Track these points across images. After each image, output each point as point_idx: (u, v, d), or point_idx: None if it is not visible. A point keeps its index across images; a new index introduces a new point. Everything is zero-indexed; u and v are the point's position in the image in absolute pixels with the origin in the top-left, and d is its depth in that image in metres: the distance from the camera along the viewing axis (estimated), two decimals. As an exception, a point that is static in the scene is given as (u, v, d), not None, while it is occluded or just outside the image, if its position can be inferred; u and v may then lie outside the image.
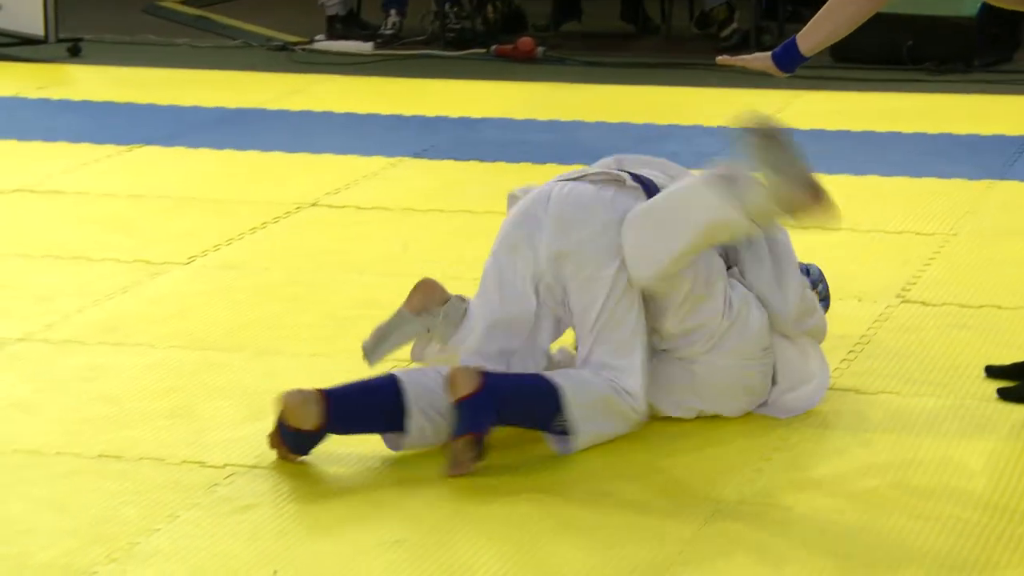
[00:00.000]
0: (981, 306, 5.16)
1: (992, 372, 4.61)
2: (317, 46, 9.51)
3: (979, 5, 8.57)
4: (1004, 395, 4.50)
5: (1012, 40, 8.87)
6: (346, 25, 9.73)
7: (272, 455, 4.18)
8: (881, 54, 8.58)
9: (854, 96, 8.16)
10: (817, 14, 4.47)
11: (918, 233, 5.92)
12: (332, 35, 9.66)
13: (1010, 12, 9.12)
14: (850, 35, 9.73)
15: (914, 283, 5.32)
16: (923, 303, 5.13)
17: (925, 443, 4.24)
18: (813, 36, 4.45)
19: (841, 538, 3.75)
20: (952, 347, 4.81)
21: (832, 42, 4.48)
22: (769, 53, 4.49)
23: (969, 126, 7.48)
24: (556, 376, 4.19)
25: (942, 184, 6.49)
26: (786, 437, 4.25)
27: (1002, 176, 6.65)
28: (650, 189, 4.30)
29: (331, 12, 9.78)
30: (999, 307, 5.16)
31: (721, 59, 4.62)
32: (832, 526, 3.81)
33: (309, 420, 4.06)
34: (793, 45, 4.45)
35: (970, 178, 6.59)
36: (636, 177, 4.33)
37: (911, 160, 6.88)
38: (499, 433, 4.20)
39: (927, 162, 6.85)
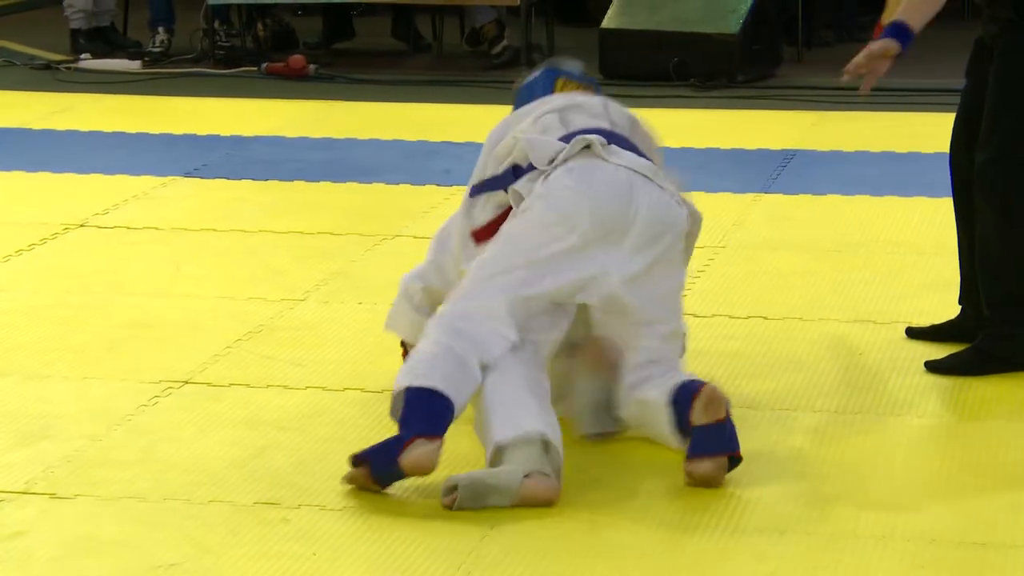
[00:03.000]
0: (748, 317, 5.28)
1: (911, 333, 4.98)
2: (83, 65, 9.35)
3: (741, 22, 8.76)
4: (932, 367, 4.73)
5: (774, 56, 9.08)
6: (92, 40, 9.56)
7: (41, 480, 4.11)
8: (647, 70, 8.72)
9: (623, 112, 8.27)
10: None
11: (687, 246, 6.02)
12: (77, 50, 9.49)
13: (770, 30, 9.35)
14: (617, 52, 9.92)
15: (684, 295, 5.41)
16: (693, 315, 5.22)
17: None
18: (918, 14, 4.64)
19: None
20: (722, 357, 4.91)
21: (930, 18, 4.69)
22: (887, 38, 4.65)
23: (734, 140, 7.63)
24: None
25: (710, 198, 6.60)
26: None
27: (767, 189, 6.81)
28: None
29: (74, 25, 9.60)
30: (765, 318, 5.28)
31: (851, 69, 4.70)
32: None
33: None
34: (904, 25, 4.63)
35: (736, 192, 6.74)
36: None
37: (678, 174, 6.98)
38: (285, 459, 4.17)
39: (694, 177, 6.89)
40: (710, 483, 4.07)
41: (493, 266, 4.21)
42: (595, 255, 4.20)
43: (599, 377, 4.26)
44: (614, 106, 4.55)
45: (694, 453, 4.08)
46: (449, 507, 3.94)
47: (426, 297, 4.59)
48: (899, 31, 4.65)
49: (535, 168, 4.30)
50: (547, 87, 4.60)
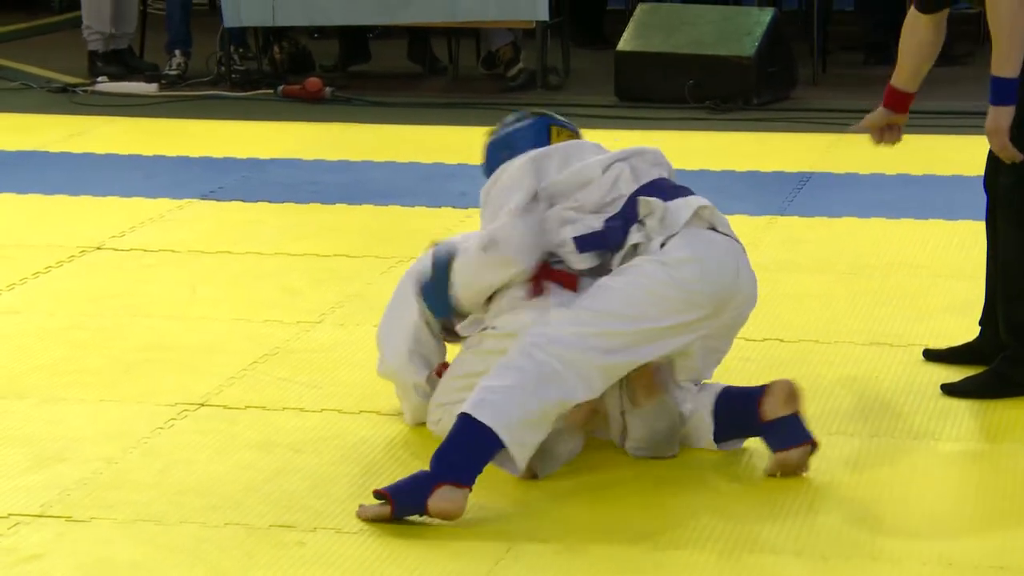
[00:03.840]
0: (764, 339, 5.26)
1: (929, 356, 4.96)
2: (100, 88, 9.38)
3: (756, 45, 8.77)
4: (948, 390, 4.72)
5: (789, 78, 9.08)
6: (108, 63, 9.58)
7: (57, 502, 4.11)
8: (663, 93, 8.73)
9: (637, 135, 8.28)
10: (1002, 41, 4.51)
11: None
12: (94, 73, 9.52)
13: (786, 51, 9.35)
14: (633, 74, 9.89)
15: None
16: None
17: (722, 474, 4.30)
18: (1016, 60, 4.54)
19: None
20: (737, 380, 4.90)
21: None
22: (1004, 108, 4.55)
23: (750, 163, 7.63)
24: None
25: (725, 220, 6.60)
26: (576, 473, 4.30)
27: (782, 212, 6.80)
28: None
29: (92, 47, 9.62)
30: (781, 340, 5.27)
31: (1007, 155, 4.63)
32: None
33: None
34: (1007, 81, 4.53)
35: (751, 214, 6.73)
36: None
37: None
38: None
39: (710, 199, 6.95)
40: (798, 471, 4.24)
41: (603, 321, 4.17)
42: (699, 328, 4.28)
43: (652, 403, 4.28)
44: (662, 154, 4.57)
45: (783, 446, 4.25)
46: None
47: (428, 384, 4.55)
48: (1006, 91, 4.53)
49: (638, 221, 4.30)
50: (542, 134, 4.55)
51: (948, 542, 3.92)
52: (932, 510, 4.12)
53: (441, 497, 3.95)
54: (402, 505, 3.97)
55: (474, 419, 4.02)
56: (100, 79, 9.46)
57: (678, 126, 8.34)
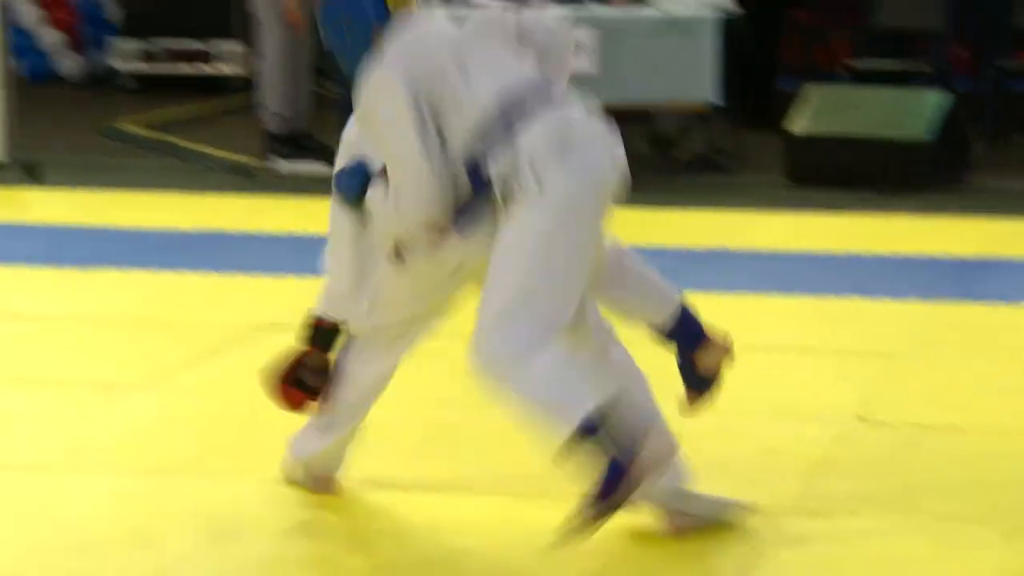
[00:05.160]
0: (937, 426, 5.18)
1: None
2: (277, 168, 9.54)
3: (931, 127, 8.69)
4: None
5: (963, 162, 8.99)
6: (286, 144, 9.72)
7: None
8: (835, 175, 8.69)
9: (809, 218, 8.24)
10: None
11: (875, 354, 5.95)
12: (274, 155, 9.67)
13: (960, 133, 9.19)
14: (806, 157, 9.77)
15: (871, 403, 5.35)
16: (881, 423, 5.16)
17: (885, 564, 4.25)
18: None
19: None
20: (910, 467, 4.83)
21: None
22: None
23: (922, 247, 7.55)
24: None
25: (896, 305, 6.54)
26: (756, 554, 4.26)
27: (955, 297, 6.71)
28: None
29: (269, 129, 9.76)
30: (958, 427, 5.18)
31: None
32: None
33: None
34: None
35: (924, 299, 6.65)
36: None
37: (865, 281, 6.92)
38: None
39: (882, 283, 6.90)
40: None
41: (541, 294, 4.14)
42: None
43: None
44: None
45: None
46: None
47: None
48: None
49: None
50: (378, 4, 4.37)
51: None
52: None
53: (650, 457, 3.95)
54: (612, 497, 3.98)
55: (575, 433, 3.98)
56: (277, 160, 9.62)
57: (851, 208, 8.28)
